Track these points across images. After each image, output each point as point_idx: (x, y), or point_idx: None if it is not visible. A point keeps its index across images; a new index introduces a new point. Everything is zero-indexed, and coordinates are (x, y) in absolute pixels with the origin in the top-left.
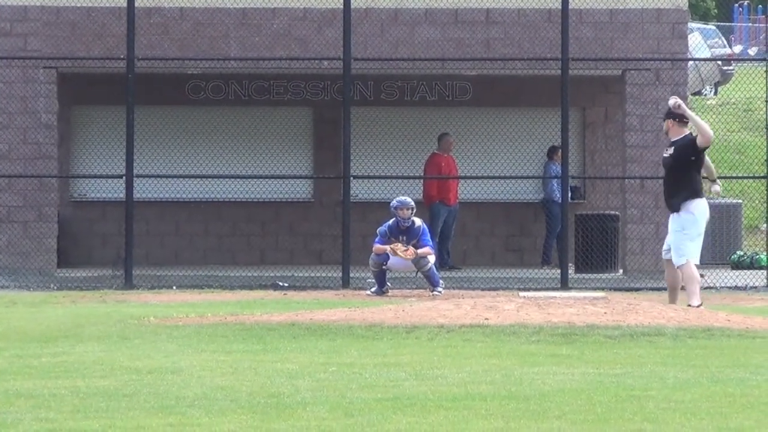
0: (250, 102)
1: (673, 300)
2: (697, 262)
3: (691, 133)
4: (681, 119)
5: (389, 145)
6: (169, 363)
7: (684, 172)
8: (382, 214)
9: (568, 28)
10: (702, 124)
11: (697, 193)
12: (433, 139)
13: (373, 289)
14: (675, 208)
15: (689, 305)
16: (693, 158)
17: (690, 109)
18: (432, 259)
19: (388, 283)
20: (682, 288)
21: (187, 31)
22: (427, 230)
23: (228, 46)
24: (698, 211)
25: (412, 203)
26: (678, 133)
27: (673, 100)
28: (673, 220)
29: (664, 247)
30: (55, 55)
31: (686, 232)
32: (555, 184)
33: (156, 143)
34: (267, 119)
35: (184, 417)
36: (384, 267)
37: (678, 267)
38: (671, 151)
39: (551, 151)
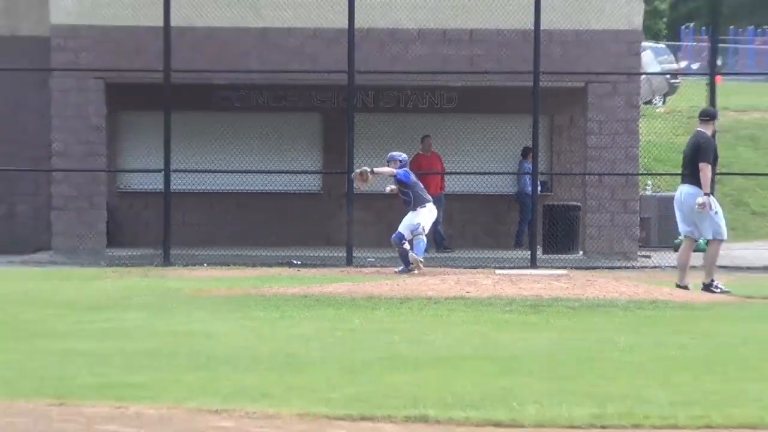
0: (268, 108)
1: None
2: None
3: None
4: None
5: (387, 146)
6: (202, 328)
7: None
8: (380, 203)
9: (539, 46)
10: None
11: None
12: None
13: (400, 269)
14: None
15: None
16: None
17: (641, 117)
18: (422, 228)
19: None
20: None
21: (215, 48)
22: (402, 176)
23: (250, 61)
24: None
25: (399, 157)
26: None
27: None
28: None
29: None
30: (103, 67)
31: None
32: (527, 179)
33: (189, 143)
34: (283, 123)
35: (215, 373)
36: (405, 247)
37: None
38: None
39: (525, 151)
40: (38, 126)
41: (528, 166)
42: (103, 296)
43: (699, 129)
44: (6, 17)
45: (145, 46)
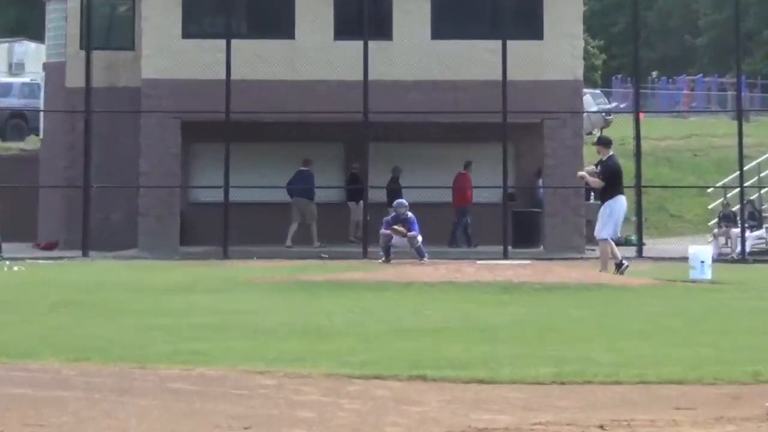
0: (302, 139)
1: (604, 267)
2: (612, 237)
3: (613, 155)
4: (606, 144)
5: (392, 165)
6: (251, 306)
7: (609, 180)
8: (390, 210)
9: (506, 92)
10: (594, 183)
11: (620, 191)
12: (423, 163)
13: (382, 259)
14: (605, 200)
15: (600, 271)
16: (613, 174)
17: (584, 144)
18: (420, 239)
19: (392, 255)
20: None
21: (263, 95)
22: (415, 220)
23: (289, 104)
24: (621, 202)
25: (406, 203)
26: (605, 154)
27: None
28: (603, 208)
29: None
30: (179, 110)
31: (613, 216)
32: (542, 192)
33: (243, 165)
34: (313, 150)
35: (260, 342)
36: (389, 244)
37: (599, 240)
38: (599, 168)
39: (538, 171)
40: (130, 154)
41: (540, 182)
42: (177, 283)
43: (613, 154)
44: (107, 73)
45: (211, 94)
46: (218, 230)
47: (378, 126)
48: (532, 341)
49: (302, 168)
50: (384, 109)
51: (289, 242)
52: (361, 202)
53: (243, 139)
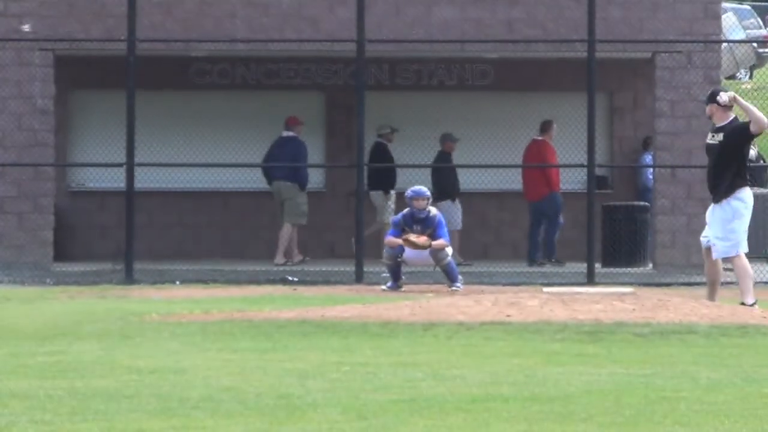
0: (258, 86)
1: (712, 295)
2: (746, 251)
3: (737, 118)
4: (721, 102)
5: (406, 132)
6: (172, 362)
7: (734, 159)
8: (398, 204)
9: (594, 7)
10: (756, 113)
11: (746, 181)
12: (451, 125)
13: (388, 284)
14: (722, 195)
15: (743, 303)
16: (743, 145)
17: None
18: (450, 251)
19: (404, 278)
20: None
21: (191, 11)
22: (443, 222)
23: (235, 27)
24: (748, 199)
25: (428, 193)
26: (723, 118)
27: (726, 96)
28: (720, 209)
29: (704, 236)
30: (52, 36)
31: (736, 221)
32: (648, 173)
33: (159, 130)
34: (276, 105)
35: (188, 419)
36: (399, 260)
37: (728, 258)
38: (719, 137)
39: (645, 142)
40: None
41: (649, 158)
42: (49, 323)
43: (736, 117)
44: None
45: (104, 9)
46: (117, 237)
47: (381, 64)
48: (633, 419)
49: (285, 133)
50: (392, 35)
51: (279, 259)
52: (392, 193)
53: (157, 85)
